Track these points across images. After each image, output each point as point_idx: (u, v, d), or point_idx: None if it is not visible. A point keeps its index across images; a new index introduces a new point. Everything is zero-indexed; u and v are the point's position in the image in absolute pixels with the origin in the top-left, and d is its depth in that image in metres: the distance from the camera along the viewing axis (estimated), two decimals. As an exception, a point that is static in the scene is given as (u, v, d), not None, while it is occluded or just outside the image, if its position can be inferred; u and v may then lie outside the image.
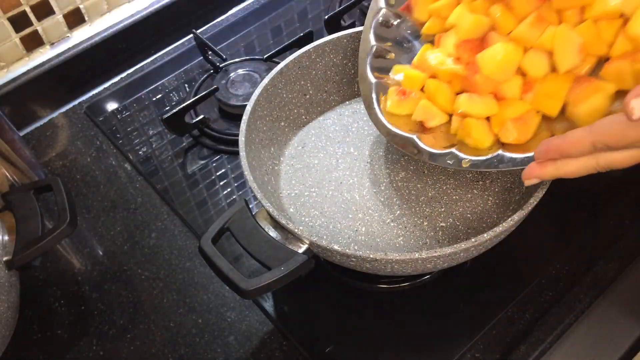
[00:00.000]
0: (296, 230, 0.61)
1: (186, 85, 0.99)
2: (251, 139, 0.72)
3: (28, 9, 0.94)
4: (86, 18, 1.02)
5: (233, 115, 0.92)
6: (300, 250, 0.61)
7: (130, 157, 0.89)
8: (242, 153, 0.68)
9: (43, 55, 1.00)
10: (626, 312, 0.68)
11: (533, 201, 0.59)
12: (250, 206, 0.65)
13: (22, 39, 0.97)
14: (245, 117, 0.71)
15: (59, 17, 0.99)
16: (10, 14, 0.92)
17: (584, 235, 0.75)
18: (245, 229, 0.63)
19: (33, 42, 0.99)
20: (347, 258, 0.60)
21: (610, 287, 0.70)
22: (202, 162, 0.88)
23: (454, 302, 0.72)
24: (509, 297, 0.70)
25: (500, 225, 0.58)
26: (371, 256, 0.58)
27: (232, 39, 1.05)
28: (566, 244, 0.74)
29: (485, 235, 0.58)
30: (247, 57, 0.98)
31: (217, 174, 0.86)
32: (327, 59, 0.80)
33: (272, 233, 0.63)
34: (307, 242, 0.61)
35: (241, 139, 0.69)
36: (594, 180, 0.82)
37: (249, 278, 0.59)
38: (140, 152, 0.90)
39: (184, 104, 0.87)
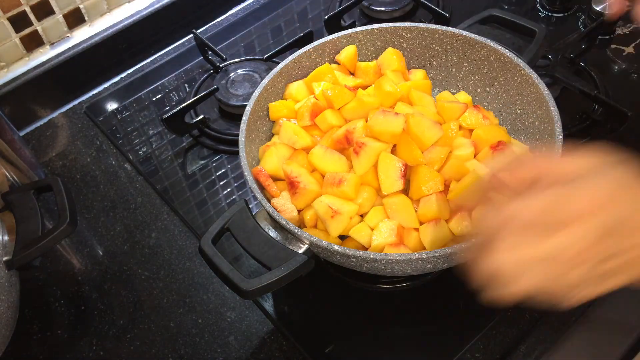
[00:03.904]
0: (296, 231, 0.61)
1: (186, 85, 0.99)
2: (251, 139, 0.72)
3: (28, 9, 0.94)
4: (86, 18, 1.02)
5: (233, 115, 0.92)
6: (300, 251, 0.61)
7: (130, 157, 0.89)
8: (242, 153, 0.68)
9: (43, 55, 1.00)
10: (626, 312, 0.68)
11: None
12: (250, 206, 0.65)
13: (22, 39, 0.97)
14: (245, 117, 0.71)
15: (59, 17, 0.99)
16: (10, 14, 0.92)
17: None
18: (246, 230, 0.62)
19: (33, 42, 0.99)
20: (347, 258, 0.60)
21: (610, 287, 0.70)
22: (202, 162, 0.88)
23: (454, 302, 0.71)
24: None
25: None
26: (371, 256, 0.58)
27: (232, 39, 1.05)
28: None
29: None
30: (247, 57, 0.98)
31: (217, 174, 0.86)
32: (327, 59, 0.80)
33: (272, 233, 0.62)
34: (307, 242, 0.61)
35: (241, 139, 0.69)
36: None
37: (249, 278, 0.59)
38: (140, 152, 0.90)
39: (184, 104, 0.87)
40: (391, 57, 0.78)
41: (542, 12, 1.01)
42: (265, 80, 0.75)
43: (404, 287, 0.72)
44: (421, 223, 0.65)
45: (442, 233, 0.63)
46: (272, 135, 0.76)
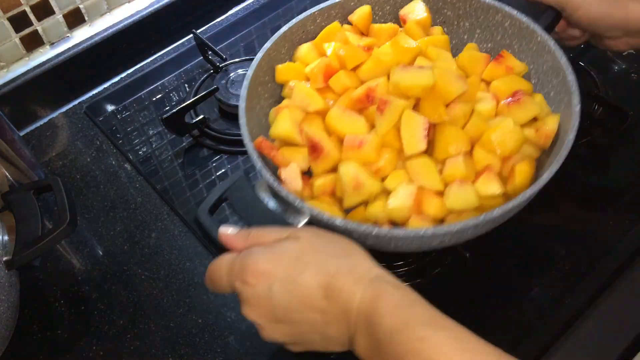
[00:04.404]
0: (296, 202, 0.58)
1: (186, 85, 0.99)
2: (252, 106, 0.70)
3: (28, 9, 0.94)
4: (86, 18, 1.02)
5: (233, 115, 0.92)
6: (300, 224, 0.58)
7: (130, 157, 0.89)
8: (242, 120, 0.65)
9: (43, 55, 1.00)
10: (626, 312, 0.68)
11: (546, 176, 0.57)
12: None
13: (22, 39, 0.97)
14: (246, 82, 0.69)
15: (59, 17, 0.99)
16: (10, 14, 0.92)
17: (584, 235, 0.75)
18: (245, 200, 0.60)
19: (33, 42, 0.99)
20: (349, 234, 0.57)
21: (610, 287, 0.70)
22: (202, 162, 0.88)
23: (454, 301, 0.71)
24: (509, 297, 0.70)
25: (511, 202, 0.56)
26: (375, 232, 0.55)
27: (232, 39, 1.05)
28: (566, 244, 0.74)
29: (494, 211, 0.55)
30: (247, 57, 0.98)
31: (217, 174, 0.86)
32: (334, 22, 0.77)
33: (272, 205, 0.60)
34: (308, 214, 0.58)
35: (241, 105, 0.66)
36: (594, 181, 0.82)
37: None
38: (140, 152, 0.90)
39: (184, 104, 0.87)
40: (416, 7, 0.75)
41: None
42: (268, 44, 0.72)
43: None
44: (445, 186, 0.62)
45: (468, 194, 0.60)
46: (275, 100, 0.74)
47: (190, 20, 1.08)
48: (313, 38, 0.76)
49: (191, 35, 1.02)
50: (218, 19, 1.10)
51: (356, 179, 0.61)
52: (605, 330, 0.67)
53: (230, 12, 1.11)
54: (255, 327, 0.55)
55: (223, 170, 0.86)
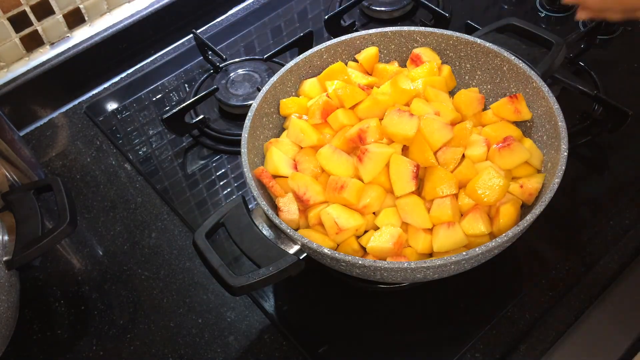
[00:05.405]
0: (288, 231, 0.60)
1: (186, 85, 0.99)
2: (256, 135, 0.72)
3: (28, 9, 0.94)
4: (86, 18, 1.02)
5: (233, 115, 0.92)
6: (292, 251, 0.61)
7: (130, 157, 0.89)
8: (244, 149, 0.67)
9: (43, 55, 1.00)
10: (626, 312, 0.68)
11: (529, 218, 0.59)
12: (250, 207, 0.65)
13: (22, 39, 0.97)
14: (250, 114, 0.70)
15: (59, 17, 0.99)
16: (10, 14, 0.92)
17: (584, 235, 0.75)
18: (240, 226, 0.62)
19: (33, 42, 0.99)
20: (337, 262, 0.60)
21: (610, 287, 0.70)
22: (202, 162, 0.88)
23: (454, 302, 0.72)
24: (509, 297, 0.70)
25: (493, 240, 0.58)
26: (360, 262, 0.57)
27: (232, 39, 1.05)
28: (566, 244, 0.74)
29: (477, 249, 0.57)
30: (247, 57, 0.98)
31: (217, 174, 0.86)
32: (339, 59, 0.79)
33: (267, 232, 0.62)
34: (299, 243, 0.61)
35: (244, 135, 0.68)
36: (594, 181, 0.82)
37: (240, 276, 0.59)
38: (140, 152, 0.90)
39: (184, 104, 0.87)
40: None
41: (542, 12, 1.01)
42: (275, 77, 0.74)
43: (405, 286, 0.72)
44: (433, 225, 0.64)
45: (455, 236, 0.63)
46: (279, 131, 0.76)
47: (190, 20, 1.08)
48: (319, 73, 0.77)
49: (191, 35, 1.02)
50: (218, 19, 1.10)
51: (336, 225, 0.63)
52: (605, 330, 0.67)
53: (230, 12, 1.11)
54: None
55: (223, 170, 0.86)
